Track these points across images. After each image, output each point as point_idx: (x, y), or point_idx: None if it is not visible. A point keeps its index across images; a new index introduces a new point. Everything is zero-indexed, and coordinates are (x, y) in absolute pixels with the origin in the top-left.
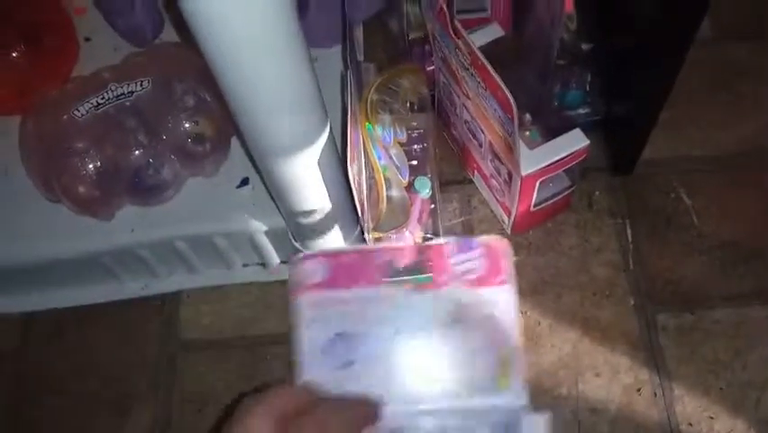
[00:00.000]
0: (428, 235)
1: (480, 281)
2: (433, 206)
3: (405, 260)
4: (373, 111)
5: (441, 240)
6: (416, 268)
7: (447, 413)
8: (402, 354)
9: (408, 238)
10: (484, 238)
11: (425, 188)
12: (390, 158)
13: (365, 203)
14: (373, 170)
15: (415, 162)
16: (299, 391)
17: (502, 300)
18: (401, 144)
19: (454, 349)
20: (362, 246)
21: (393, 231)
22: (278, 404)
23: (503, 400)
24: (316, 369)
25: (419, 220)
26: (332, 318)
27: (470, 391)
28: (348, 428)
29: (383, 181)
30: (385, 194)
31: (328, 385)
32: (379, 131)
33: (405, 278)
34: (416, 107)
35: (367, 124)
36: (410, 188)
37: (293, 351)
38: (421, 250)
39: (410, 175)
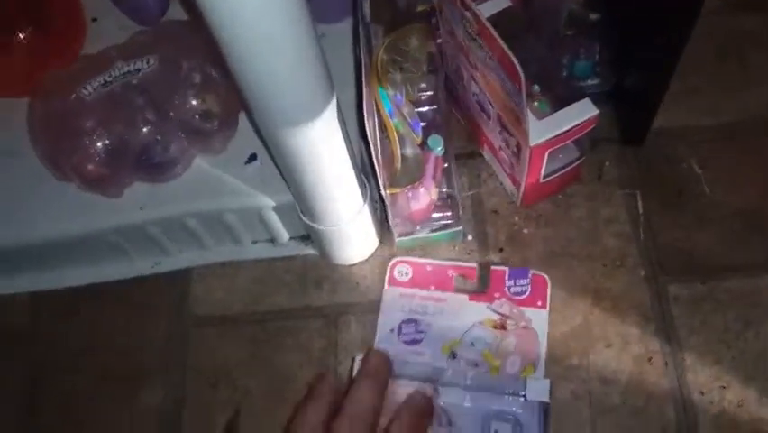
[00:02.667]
0: (444, 191)
1: (525, 302)
2: (447, 164)
3: (470, 277)
4: (384, 71)
5: (502, 267)
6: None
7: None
8: (455, 342)
9: (424, 194)
10: (534, 271)
11: (437, 146)
12: (403, 116)
13: (380, 160)
14: (386, 128)
15: (426, 124)
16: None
17: (538, 320)
18: (413, 103)
19: (494, 348)
20: (439, 261)
21: (408, 187)
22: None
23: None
24: (388, 343)
25: (434, 177)
26: (408, 308)
27: (499, 379)
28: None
29: (397, 139)
30: (399, 152)
31: (396, 357)
32: (390, 90)
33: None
34: (426, 69)
35: (378, 84)
36: (423, 146)
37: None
38: (484, 271)
39: (423, 134)
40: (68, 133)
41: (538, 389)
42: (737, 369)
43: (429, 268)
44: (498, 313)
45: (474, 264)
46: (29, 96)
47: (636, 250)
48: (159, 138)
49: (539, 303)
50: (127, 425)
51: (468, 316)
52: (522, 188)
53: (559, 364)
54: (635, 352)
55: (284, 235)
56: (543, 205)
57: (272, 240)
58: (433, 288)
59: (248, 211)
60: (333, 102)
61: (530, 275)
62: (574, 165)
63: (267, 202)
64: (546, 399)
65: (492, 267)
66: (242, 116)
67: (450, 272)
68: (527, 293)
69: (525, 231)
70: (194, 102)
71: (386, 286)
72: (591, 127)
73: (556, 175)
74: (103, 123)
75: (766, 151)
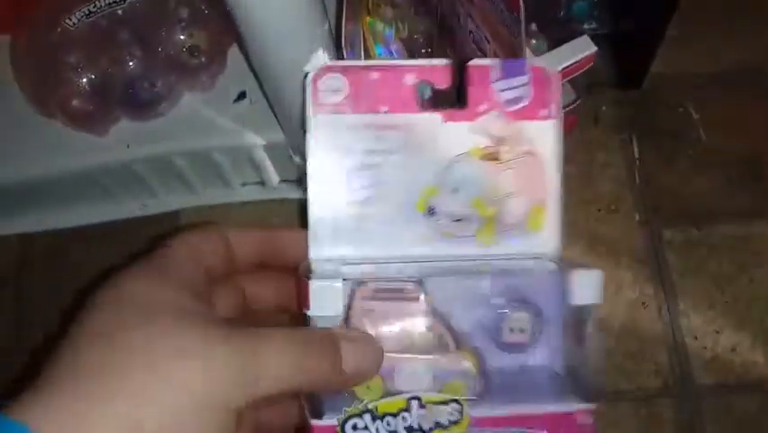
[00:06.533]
0: None
1: (524, 114)
2: None
3: (440, 82)
4: (374, 5)
5: (486, 61)
6: (453, 93)
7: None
8: (430, 191)
9: None
10: (536, 60)
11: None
12: (392, 54)
13: None
14: None
15: None
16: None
17: (545, 138)
18: (403, 42)
19: (486, 190)
20: (392, 61)
21: None
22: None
23: (531, 244)
24: (330, 203)
25: None
26: (351, 147)
27: (496, 235)
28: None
29: None
30: None
31: (343, 223)
32: (380, 26)
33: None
34: (419, 11)
35: (368, 18)
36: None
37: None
38: (460, 71)
39: None
40: (52, 67)
41: (587, 285)
42: (731, 314)
43: (375, 75)
44: (488, 135)
45: (445, 61)
46: (13, 30)
47: (631, 195)
48: (145, 73)
49: (544, 112)
50: None
51: (444, 147)
52: None
53: None
54: (629, 297)
55: (274, 178)
56: None
57: (262, 182)
58: (386, 109)
59: (237, 150)
60: (326, 30)
61: (529, 68)
62: (570, 108)
63: (256, 141)
64: (599, 299)
65: (472, 63)
66: (231, 54)
67: (408, 78)
68: (528, 99)
69: None
70: (181, 36)
71: (309, 113)
72: (590, 65)
73: None
74: (88, 56)
75: (764, 98)
